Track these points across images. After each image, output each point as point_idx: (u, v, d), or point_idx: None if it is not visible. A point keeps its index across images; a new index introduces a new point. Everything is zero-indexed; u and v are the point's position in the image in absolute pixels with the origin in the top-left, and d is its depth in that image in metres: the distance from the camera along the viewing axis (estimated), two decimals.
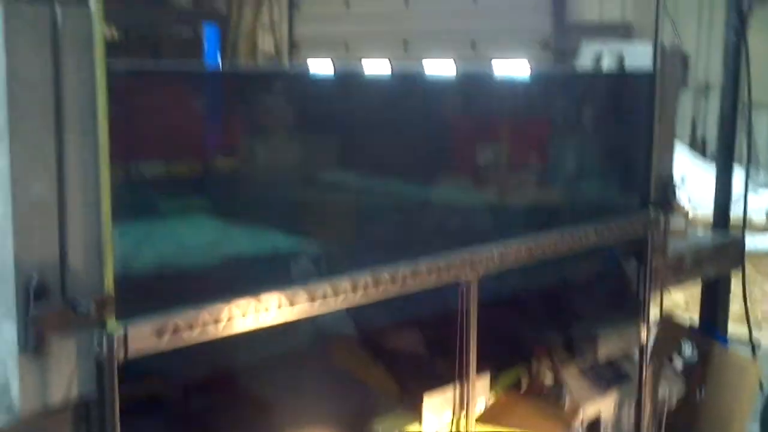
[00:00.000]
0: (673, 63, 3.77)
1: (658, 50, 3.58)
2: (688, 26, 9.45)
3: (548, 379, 4.00)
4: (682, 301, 6.24)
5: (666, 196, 3.66)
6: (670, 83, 3.71)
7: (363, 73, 3.09)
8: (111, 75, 1.97)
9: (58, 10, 1.89)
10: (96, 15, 1.92)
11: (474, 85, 3.37)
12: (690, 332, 4.38)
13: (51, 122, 1.90)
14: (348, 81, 3.08)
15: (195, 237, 2.57)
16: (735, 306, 5.15)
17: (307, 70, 2.99)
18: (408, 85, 3.13)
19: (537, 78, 3.91)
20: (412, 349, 3.23)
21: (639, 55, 3.76)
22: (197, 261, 2.50)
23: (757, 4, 4.46)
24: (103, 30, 1.94)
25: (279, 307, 2.28)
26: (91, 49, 1.93)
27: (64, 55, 1.90)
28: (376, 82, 3.16)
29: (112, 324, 1.97)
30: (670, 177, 3.77)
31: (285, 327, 2.36)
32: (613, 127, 3.74)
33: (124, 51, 14.48)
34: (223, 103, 2.69)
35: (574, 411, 3.90)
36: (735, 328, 5.35)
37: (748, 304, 4.92)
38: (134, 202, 2.38)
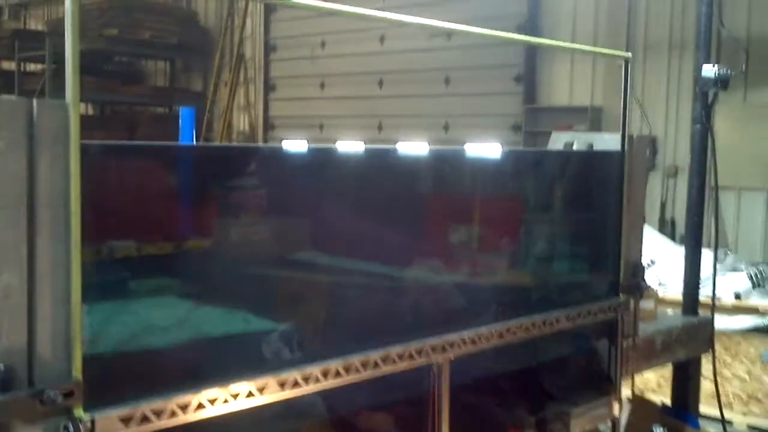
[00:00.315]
0: (640, 150, 3.85)
1: (626, 137, 3.66)
2: (656, 110, 9.67)
3: None
4: (654, 382, 6.25)
5: (636, 281, 3.70)
6: (638, 171, 3.78)
7: (336, 152, 3.11)
8: (83, 153, 1.98)
9: (35, 102, 1.92)
10: (72, 106, 1.95)
11: (445, 166, 3.40)
12: (661, 413, 4.39)
13: (23, 212, 1.91)
14: (321, 161, 3.09)
15: (165, 318, 2.56)
16: (706, 384, 5.17)
17: (281, 149, 3.00)
18: (380, 165, 3.14)
19: (508, 158, 3.95)
20: (384, 430, 3.21)
21: (608, 144, 3.84)
22: (167, 343, 2.48)
23: (722, 91, 4.58)
24: (78, 120, 1.97)
25: (248, 395, 2.27)
26: (67, 140, 1.95)
27: (39, 146, 1.92)
28: (349, 162, 3.17)
29: (79, 413, 1.95)
30: (640, 262, 3.82)
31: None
32: (584, 212, 3.79)
33: (99, 127, 14.56)
34: (197, 182, 2.69)
35: None
36: (706, 407, 5.36)
37: (719, 384, 4.94)
38: (104, 283, 2.37)
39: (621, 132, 3.68)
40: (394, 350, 2.68)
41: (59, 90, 2.16)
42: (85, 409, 1.97)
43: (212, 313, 2.76)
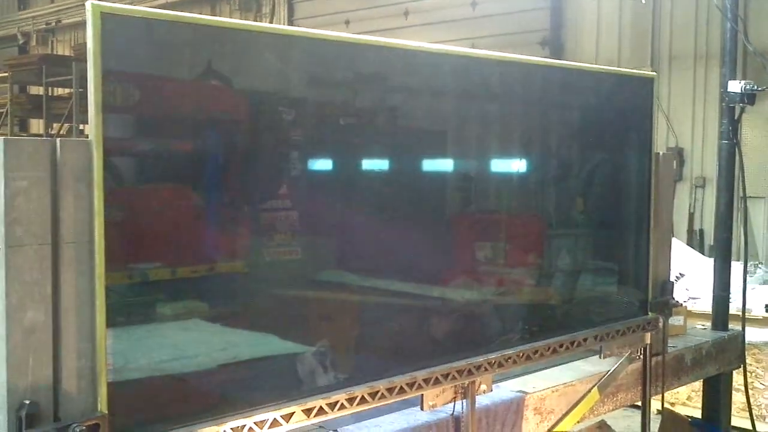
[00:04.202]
0: (667, 166, 3.71)
1: (653, 154, 3.53)
2: (683, 121, 9.45)
3: None
4: (685, 395, 6.06)
5: (664, 298, 3.56)
6: (665, 187, 3.65)
7: (361, 172, 2.98)
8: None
9: (58, 142, 1.86)
10: (96, 144, 1.89)
11: (467, 180, 3.29)
12: (691, 427, 4.23)
13: (47, 250, 1.85)
14: (347, 180, 2.99)
15: (192, 343, 2.49)
16: (737, 395, 4.99)
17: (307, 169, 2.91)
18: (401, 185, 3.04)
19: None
20: None
21: None
22: (194, 368, 2.41)
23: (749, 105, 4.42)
24: (101, 158, 1.90)
25: (273, 424, 2.18)
26: (90, 178, 1.89)
27: (62, 184, 1.87)
28: (374, 179, 3.07)
29: None
30: (668, 279, 3.68)
31: None
32: (612, 234, 3.65)
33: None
34: (223, 206, 2.61)
35: None
36: (737, 419, 5.17)
37: (750, 396, 4.76)
38: (131, 305, 2.31)
39: (648, 148, 3.54)
40: (421, 375, 2.58)
41: (86, 113, 2.10)
42: None
43: (238, 336, 2.70)
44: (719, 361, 4.14)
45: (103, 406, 1.90)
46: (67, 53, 16.78)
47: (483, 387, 2.77)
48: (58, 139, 1.87)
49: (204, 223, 2.59)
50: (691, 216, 9.14)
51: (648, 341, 3.47)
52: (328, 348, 2.72)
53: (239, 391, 2.28)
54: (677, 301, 3.63)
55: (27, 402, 1.81)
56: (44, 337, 1.86)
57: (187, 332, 2.57)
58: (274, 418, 2.20)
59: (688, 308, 4.53)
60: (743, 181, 4.52)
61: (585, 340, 3.16)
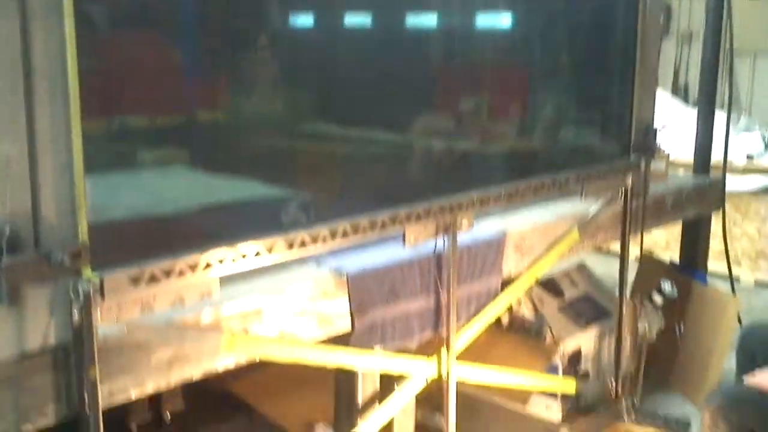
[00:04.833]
0: (654, 7, 3.62)
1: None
2: None
3: (528, 314, 3.95)
4: (663, 241, 6.16)
5: (647, 140, 3.55)
6: (651, 30, 3.57)
7: (344, 22, 2.94)
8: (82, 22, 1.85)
9: None
10: None
11: (454, 33, 3.23)
12: (670, 270, 4.31)
13: (19, 83, 1.80)
14: (331, 30, 2.94)
15: (174, 187, 2.50)
16: (714, 242, 5.07)
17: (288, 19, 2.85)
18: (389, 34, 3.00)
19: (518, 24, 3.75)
20: None
21: None
22: (176, 211, 2.42)
23: None
24: None
25: (256, 255, 2.20)
26: (60, 7, 1.82)
27: (32, 15, 1.80)
28: (359, 31, 3.02)
29: (88, 273, 1.89)
30: (652, 122, 3.66)
31: None
32: (596, 74, 3.61)
33: None
34: (203, 52, 2.57)
35: (555, 345, 3.85)
36: (714, 265, 5.28)
37: (728, 242, 4.84)
38: (111, 153, 2.30)
39: None
40: (402, 211, 2.58)
41: None
42: (94, 271, 1.91)
43: (222, 180, 2.70)
44: (699, 204, 4.17)
45: (83, 235, 1.90)
46: None
47: (464, 223, 2.78)
48: None
49: (183, 69, 2.56)
50: (677, 71, 9.04)
51: (629, 183, 3.48)
52: (310, 191, 2.73)
53: (222, 230, 2.28)
54: (659, 145, 3.61)
55: (6, 230, 1.81)
56: (21, 169, 1.84)
57: (169, 178, 2.57)
58: (257, 250, 2.21)
59: (671, 158, 4.52)
60: (731, 33, 4.44)
61: (567, 180, 3.16)
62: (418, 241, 2.67)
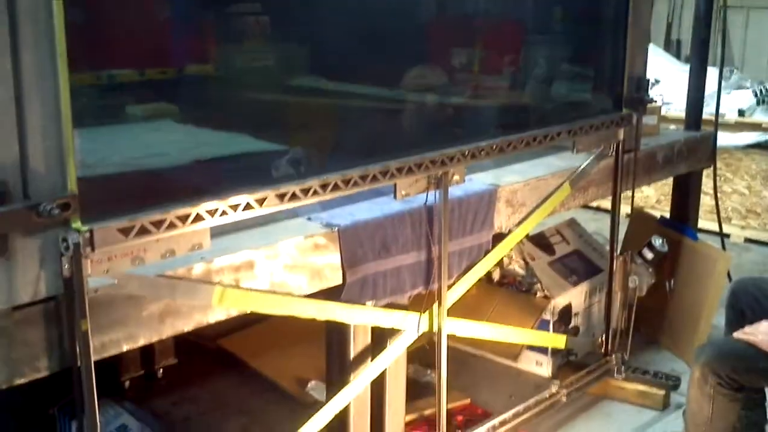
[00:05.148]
0: None
1: None
2: None
3: (520, 270, 3.97)
4: (654, 199, 6.17)
5: (639, 94, 3.54)
6: None
7: None
8: None
9: None
10: None
11: None
12: (661, 226, 4.32)
13: (5, 27, 1.76)
14: None
15: (164, 142, 2.49)
16: (705, 199, 5.09)
17: None
18: None
19: None
20: None
21: None
22: (166, 165, 2.41)
23: None
24: None
25: (246, 207, 2.19)
26: None
27: None
28: None
29: (77, 225, 1.88)
30: (644, 77, 3.64)
31: None
32: (588, 28, 3.59)
33: None
34: (193, 4, 2.55)
35: (546, 301, 3.88)
36: (705, 222, 5.31)
37: (719, 199, 4.86)
38: (101, 106, 2.29)
39: None
40: (394, 164, 2.57)
41: None
42: (83, 223, 1.90)
43: (212, 135, 2.69)
44: (690, 160, 4.17)
45: (72, 185, 1.88)
46: None
47: (456, 177, 2.77)
48: None
49: (172, 22, 2.54)
50: (669, 26, 8.99)
51: (621, 137, 3.47)
52: (301, 145, 2.72)
53: (212, 183, 2.26)
54: (652, 98, 3.60)
55: None
56: (8, 116, 1.81)
57: (159, 132, 2.56)
58: (248, 202, 2.20)
59: (662, 113, 4.51)
60: None
61: (558, 134, 3.15)
62: (409, 194, 2.66)
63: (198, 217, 2.08)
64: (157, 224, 2.00)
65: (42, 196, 1.85)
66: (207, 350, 4.00)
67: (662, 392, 3.69)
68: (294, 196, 2.30)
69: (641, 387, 3.73)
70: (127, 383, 3.72)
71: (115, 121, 2.40)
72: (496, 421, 3.21)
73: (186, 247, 2.10)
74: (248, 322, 3.95)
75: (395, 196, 2.64)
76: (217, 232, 2.21)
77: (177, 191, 2.15)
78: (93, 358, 1.96)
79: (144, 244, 2.00)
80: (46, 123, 1.85)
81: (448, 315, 2.92)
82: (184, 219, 2.05)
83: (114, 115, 2.38)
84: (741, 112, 5.70)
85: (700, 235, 4.36)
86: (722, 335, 3.34)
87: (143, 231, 1.98)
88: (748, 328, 2.93)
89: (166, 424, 3.27)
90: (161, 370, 3.85)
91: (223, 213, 2.14)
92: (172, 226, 2.03)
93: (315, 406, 2.73)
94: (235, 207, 2.16)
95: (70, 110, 1.86)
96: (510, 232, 3.22)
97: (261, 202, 2.22)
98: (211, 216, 2.11)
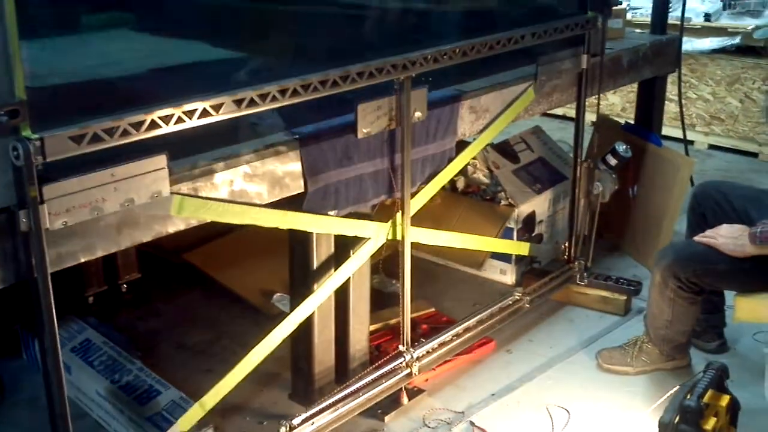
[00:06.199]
0: None
1: None
2: None
3: (484, 178, 3.98)
4: (619, 106, 6.19)
5: None
6: None
7: None
8: None
9: None
10: None
11: None
12: (625, 132, 4.34)
13: None
14: None
15: (119, 50, 2.43)
16: (670, 106, 5.11)
17: None
18: None
19: None
20: None
21: None
22: (121, 74, 2.36)
23: None
24: None
25: (203, 114, 2.14)
26: None
27: None
28: None
29: (27, 132, 1.83)
30: None
31: None
32: None
33: None
34: None
35: (510, 209, 3.90)
36: (669, 129, 5.34)
37: (683, 105, 4.87)
38: (56, 14, 2.22)
39: None
40: (354, 69, 2.53)
41: None
42: (34, 131, 1.85)
43: (168, 43, 2.63)
44: (656, 64, 4.16)
45: (20, 92, 1.83)
46: None
47: (417, 114, 2.75)
48: None
49: None
50: None
51: (586, 41, 3.44)
52: (261, 54, 2.67)
53: (168, 92, 2.21)
54: (617, 1, 3.56)
55: None
56: None
57: (115, 42, 2.51)
58: (204, 108, 2.15)
59: (630, 17, 4.49)
60: None
61: (522, 37, 3.10)
62: (370, 132, 2.64)
63: (153, 124, 2.04)
64: (110, 131, 1.96)
65: None
66: (171, 265, 4.00)
67: (624, 298, 3.76)
68: (252, 102, 2.26)
69: (603, 293, 3.79)
70: (91, 299, 3.71)
71: (70, 31, 2.33)
72: (459, 328, 3.26)
73: (146, 195, 2.08)
74: (212, 235, 3.94)
75: (356, 134, 2.62)
76: (174, 142, 2.18)
77: (132, 100, 2.10)
78: (50, 270, 1.95)
79: (102, 192, 1.97)
80: None
81: (412, 224, 2.93)
82: (137, 126, 2.01)
83: (69, 24, 2.32)
84: (707, 17, 5.67)
85: (664, 142, 4.39)
86: (683, 240, 3.39)
87: (96, 138, 1.94)
88: (708, 232, 2.97)
89: (131, 338, 3.28)
90: (125, 285, 3.84)
91: (179, 120, 2.10)
92: (125, 133, 1.99)
93: (280, 317, 2.74)
94: (190, 114, 2.12)
95: (14, 13, 1.79)
96: (474, 139, 3.22)
97: (217, 108, 2.18)
98: (165, 123, 2.07)
